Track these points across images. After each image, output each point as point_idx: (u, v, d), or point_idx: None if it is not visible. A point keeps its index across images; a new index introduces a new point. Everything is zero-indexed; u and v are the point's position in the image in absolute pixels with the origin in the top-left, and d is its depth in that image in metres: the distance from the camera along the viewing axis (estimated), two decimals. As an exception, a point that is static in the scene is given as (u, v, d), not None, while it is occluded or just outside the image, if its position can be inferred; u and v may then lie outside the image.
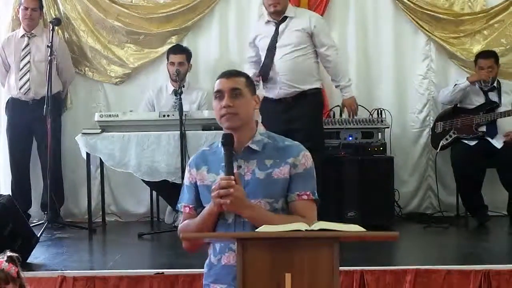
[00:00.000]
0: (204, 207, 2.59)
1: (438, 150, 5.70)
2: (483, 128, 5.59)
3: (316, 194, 2.60)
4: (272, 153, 2.58)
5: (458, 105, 5.78)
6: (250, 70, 5.08)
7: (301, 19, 5.13)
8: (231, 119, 2.56)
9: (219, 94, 2.59)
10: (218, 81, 2.63)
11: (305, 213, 2.53)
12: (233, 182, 2.45)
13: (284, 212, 2.55)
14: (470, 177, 5.53)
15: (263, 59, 5.14)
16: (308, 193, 2.57)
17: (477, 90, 5.70)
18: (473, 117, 5.61)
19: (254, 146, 2.58)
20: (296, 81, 5.06)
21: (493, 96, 5.68)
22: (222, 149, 2.56)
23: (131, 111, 5.53)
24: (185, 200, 2.68)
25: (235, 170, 2.51)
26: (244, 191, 2.48)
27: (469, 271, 3.81)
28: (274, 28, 5.12)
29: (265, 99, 4.98)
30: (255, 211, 2.49)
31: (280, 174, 2.55)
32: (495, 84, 5.70)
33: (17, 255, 2.65)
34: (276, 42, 5.08)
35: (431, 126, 5.96)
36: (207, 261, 2.61)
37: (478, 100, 5.69)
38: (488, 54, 5.71)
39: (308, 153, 2.62)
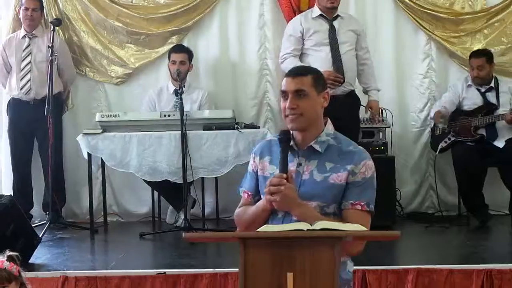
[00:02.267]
0: (261, 196, 2.59)
1: (437, 153, 5.68)
2: (483, 131, 5.54)
3: (372, 206, 2.53)
4: (334, 156, 2.54)
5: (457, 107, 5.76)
6: (298, 63, 4.97)
7: (350, 21, 5.26)
8: (295, 121, 2.54)
9: (283, 94, 2.57)
10: (284, 80, 2.60)
11: (356, 223, 2.41)
12: (284, 180, 2.43)
13: (336, 217, 2.50)
14: (471, 176, 5.50)
15: (323, 54, 5.06)
16: (362, 203, 2.51)
17: (475, 92, 5.67)
18: (471, 119, 5.56)
19: (317, 147, 2.54)
20: (351, 79, 5.14)
21: (490, 97, 5.63)
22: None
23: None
24: (246, 186, 2.69)
25: (294, 167, 2.51)
26: (297, 189, 2.47)
27: (471, 271, 3.81)
28: (326, 24, 5.13)
29: None
30: (305, 210, 2.46)
31: (337, 179, 2.51)
32: (492, 84, 5.65)
33: (17, 254, 2.66)
34: (336, 38, 5.08)
35: (431, 127, 5.94)
36: None
37: (476, 102, 5.64)
38: (478, 53, 5.67)
39: (370, 162, 2.55)
